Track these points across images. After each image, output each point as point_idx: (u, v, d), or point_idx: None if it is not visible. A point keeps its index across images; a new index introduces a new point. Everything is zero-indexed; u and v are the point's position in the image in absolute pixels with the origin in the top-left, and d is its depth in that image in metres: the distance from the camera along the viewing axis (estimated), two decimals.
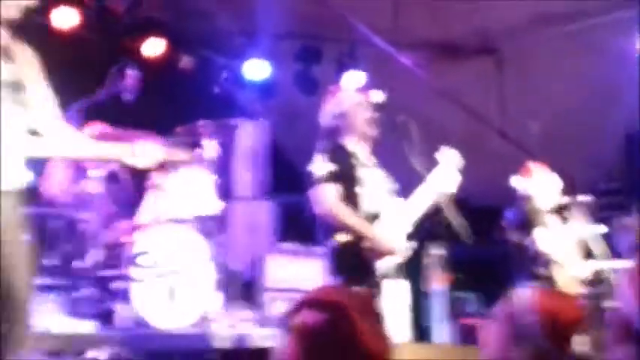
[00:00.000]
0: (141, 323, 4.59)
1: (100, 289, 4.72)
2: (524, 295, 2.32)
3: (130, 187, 5.35)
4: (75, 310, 4.54)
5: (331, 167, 3.91)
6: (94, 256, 4.80)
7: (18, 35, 2.95)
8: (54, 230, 4.89)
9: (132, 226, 5.04)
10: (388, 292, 3.90)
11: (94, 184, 4.92)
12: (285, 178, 6.87)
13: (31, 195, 3.73)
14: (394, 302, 3.89)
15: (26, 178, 2.86)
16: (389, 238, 3.86)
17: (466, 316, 6.90)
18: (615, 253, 5.60)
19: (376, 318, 1.59)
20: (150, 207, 5.15)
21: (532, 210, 5.59)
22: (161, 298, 4.70)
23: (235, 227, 6.94)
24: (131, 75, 5.19)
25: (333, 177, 3.89)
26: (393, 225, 3.93)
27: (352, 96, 4.23)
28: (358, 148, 4.09)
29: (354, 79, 7.40)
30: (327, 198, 3.86)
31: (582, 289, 5.54)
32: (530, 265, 5.51)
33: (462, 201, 4.30)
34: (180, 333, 4.61)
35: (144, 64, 6.72)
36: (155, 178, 5.08)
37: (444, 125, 7.21)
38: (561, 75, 7.21)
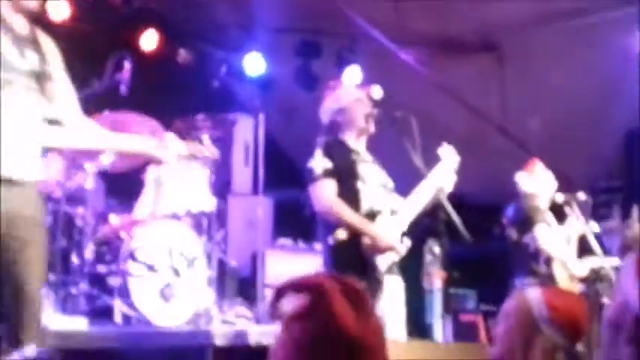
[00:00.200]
0: (136, 319, 4.54)
1: (95, 285, 4.66)
2: (533, 291, 2.27)
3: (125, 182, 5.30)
4: (69, 306, 4.49)
5: (330, 163, 3.87)
6: (89, 252, 4.75)
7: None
8: (49, 226, 4.84)
9: (128, 222, 4.99)
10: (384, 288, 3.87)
11: (89, 179, 4.87)
12: (284, 174, 6.81)
13: None
14: (389, 299, 3.86)
15: (42, 170, 2.79)
16: (388, 235, 3.82)
17: (465, 313, 6.87)
18: (607, 253, 5.59)
19: (366, 306, 1.53)
20: (146, 202, 5.10)
21: (532, 207, 5.56)
22: (156, 295, 4.66)
23: (233, 223, 6.90)
24: (127, 67, 5.14)
25: (332, 173, 3.85)
26: (392, 222, 3.89)
27: (352, 92, 4.19)
28: (358, 143, 4.05)
29: (353, 74, 7.36)
30: (326, 194, 3.83)
31: (581, 287, 5.52)
32: (530, 262, 5.49)
33: (460, 198, 4.27)
34: (176, 330, 4.57)
35: (142, 57, 6.68)
36: (152, 172, 5.02)
37: (445, 122, 7.17)
38: (562, 72, 7.17)
